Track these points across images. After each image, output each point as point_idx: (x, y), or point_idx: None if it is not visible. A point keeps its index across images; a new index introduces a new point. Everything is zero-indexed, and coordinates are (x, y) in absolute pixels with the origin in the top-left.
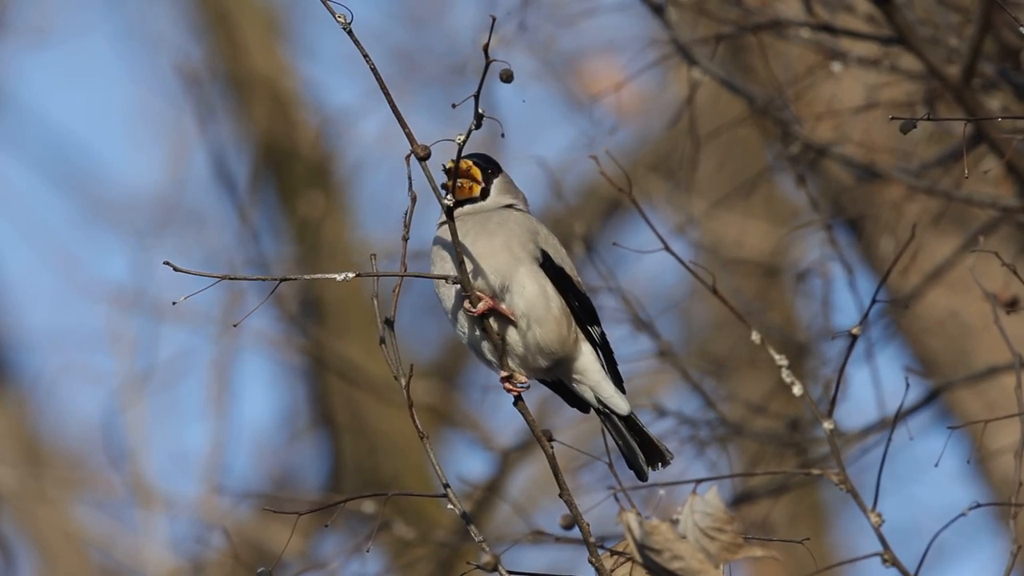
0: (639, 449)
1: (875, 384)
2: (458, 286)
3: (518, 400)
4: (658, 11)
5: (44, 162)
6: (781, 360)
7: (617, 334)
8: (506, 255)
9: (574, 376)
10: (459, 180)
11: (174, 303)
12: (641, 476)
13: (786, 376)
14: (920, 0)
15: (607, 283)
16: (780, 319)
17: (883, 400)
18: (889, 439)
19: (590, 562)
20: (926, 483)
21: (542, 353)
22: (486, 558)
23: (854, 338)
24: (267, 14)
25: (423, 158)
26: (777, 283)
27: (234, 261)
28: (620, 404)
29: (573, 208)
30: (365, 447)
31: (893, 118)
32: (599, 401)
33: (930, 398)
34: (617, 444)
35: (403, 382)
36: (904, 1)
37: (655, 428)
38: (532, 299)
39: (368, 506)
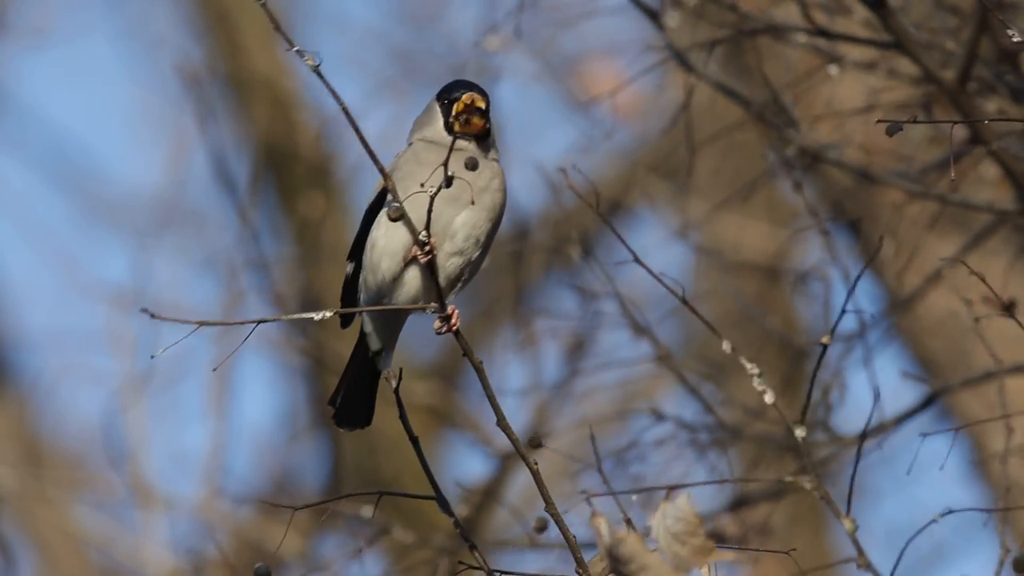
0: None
1: (874, 387)
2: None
3: (500, 420)
4: (653, 16)
5: (44, 162)
6: (752, 369)
7: (619, 338)
8: (485, 244)
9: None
10: (469, 116)
11: (152, 356)
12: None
13: (757, 384)
14: (917, 4)
15: (607, 287)
16: (780, 322)
17: (882, 403)
18: (865, 439)
19: (577, 572)
20: (926, 484)
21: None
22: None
23: (824, 348)
24: (267, 14)
25: (395, 219)
26: (777, 285)
27: (234, 261)
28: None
29: (572, 210)
30: (365, 447)
31: (879, 121)
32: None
33: (929, 401)
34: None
35: (393, 384)
36: (900, 5)
37: (652, 432)
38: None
39: (367, 510)
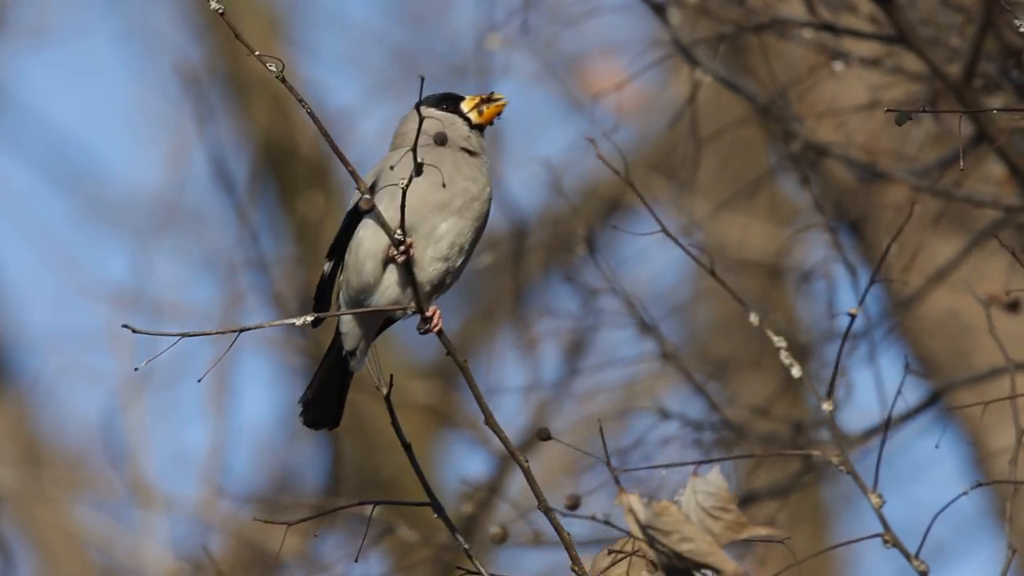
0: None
1: (878, 385)
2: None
3: (488, 419)
4: (659, 11)
5: (44, 162)
6: (780, 342)
7: (620, 336)
8: (468, 252)
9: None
10: (486, 106)
11: (136, 369)
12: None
13: (784, 357)
14: (922, 1)
15: (609, 284)
16: (783, 321)
17: (886, 402)
18: (888, 423)
19: (573, 570)
20: (927, 484)
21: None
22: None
23: (852, 318)
24: (267, 14)
25: (367, 210)
26: (779, 284)
27: (234, 261)
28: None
29: (573, 207)
30: (365, 447)
31: (889, 110)
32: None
33: (932, 400)
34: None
35: (384, 391)
36: (906, 1)
37: (658, 431)
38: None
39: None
